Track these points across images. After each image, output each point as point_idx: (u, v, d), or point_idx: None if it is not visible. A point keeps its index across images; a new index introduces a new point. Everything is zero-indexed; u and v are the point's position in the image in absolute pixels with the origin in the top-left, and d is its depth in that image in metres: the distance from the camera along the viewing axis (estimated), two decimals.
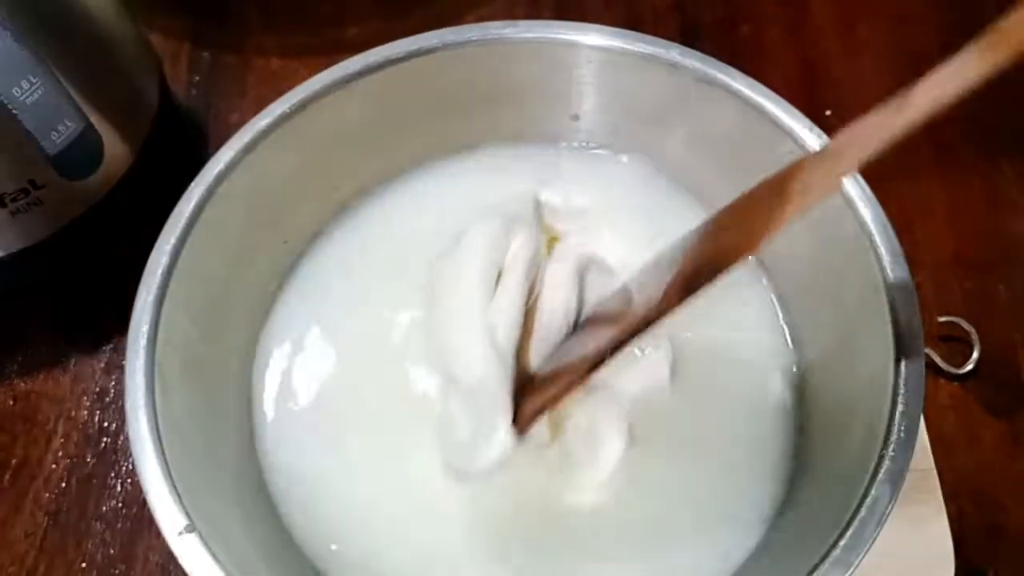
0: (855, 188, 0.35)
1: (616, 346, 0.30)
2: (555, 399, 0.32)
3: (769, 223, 0.27)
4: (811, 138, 0.37)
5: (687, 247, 0.30)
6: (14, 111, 0.33)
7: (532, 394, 0.33)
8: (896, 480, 0.31)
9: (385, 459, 0.37)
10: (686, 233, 0.31)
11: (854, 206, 0.35)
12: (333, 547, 0.36)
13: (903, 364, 0.32)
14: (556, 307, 0.37)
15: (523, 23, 0.40)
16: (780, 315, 0.41)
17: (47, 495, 0.43)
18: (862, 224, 0.35)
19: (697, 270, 0.28)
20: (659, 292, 0.29)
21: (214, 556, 0.30)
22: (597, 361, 0.30)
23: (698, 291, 0.28)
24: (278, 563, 0.35)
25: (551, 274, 0.38)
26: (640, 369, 0.38)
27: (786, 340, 0.40)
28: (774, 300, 0.41)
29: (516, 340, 0.36)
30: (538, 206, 0.41)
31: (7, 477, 0.43)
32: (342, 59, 0.39)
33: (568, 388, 0.31)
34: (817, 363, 0.39)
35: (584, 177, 0.43)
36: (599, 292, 0.37)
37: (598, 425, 0.36)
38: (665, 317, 0.28)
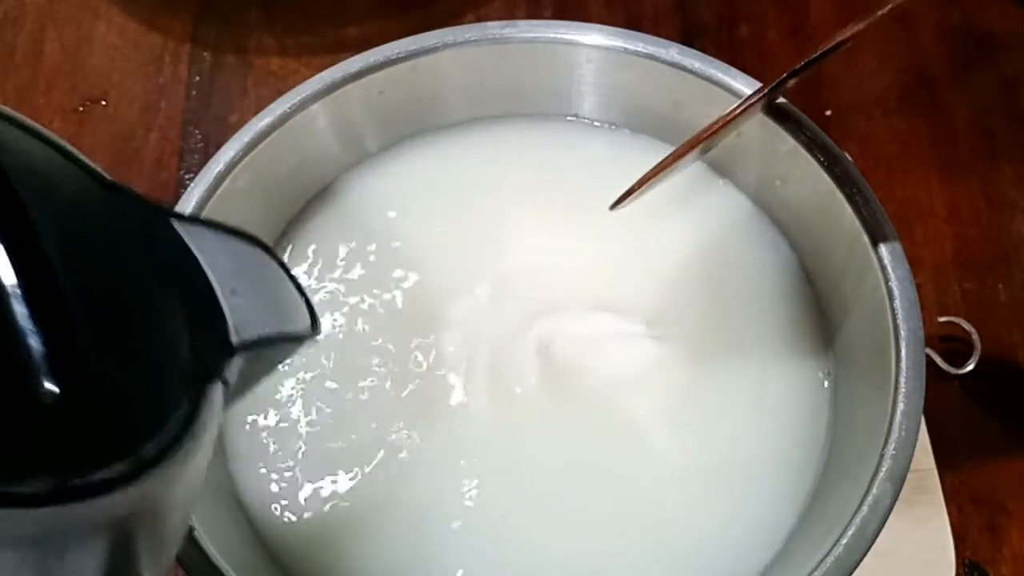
0: (855, 188, 0.35)
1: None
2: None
3: None
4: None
5: None
6: None
7: None
8: (897, 479, 0.31)
9: (384, 461, 0.37)
10: None
11: (855, 206, 0.35)
12: (313, 549, 0.36)
13: (903, 363, 0.32)
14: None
15: (523, 23, 0.40)
16: None
17: None
18: (862, 224, 0.35)
19: None
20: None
21: (212, 556, 0.30)
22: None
23: None
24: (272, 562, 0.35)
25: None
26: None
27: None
28: None
29: None
30: None
31: None
32: (342, 59, 0.39)
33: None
34: None
35: (582, 166, 0.43)
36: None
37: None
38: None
